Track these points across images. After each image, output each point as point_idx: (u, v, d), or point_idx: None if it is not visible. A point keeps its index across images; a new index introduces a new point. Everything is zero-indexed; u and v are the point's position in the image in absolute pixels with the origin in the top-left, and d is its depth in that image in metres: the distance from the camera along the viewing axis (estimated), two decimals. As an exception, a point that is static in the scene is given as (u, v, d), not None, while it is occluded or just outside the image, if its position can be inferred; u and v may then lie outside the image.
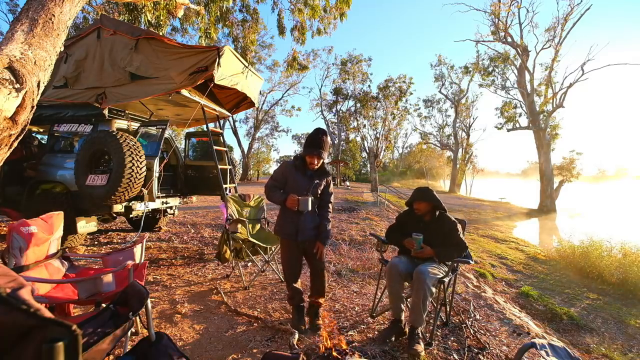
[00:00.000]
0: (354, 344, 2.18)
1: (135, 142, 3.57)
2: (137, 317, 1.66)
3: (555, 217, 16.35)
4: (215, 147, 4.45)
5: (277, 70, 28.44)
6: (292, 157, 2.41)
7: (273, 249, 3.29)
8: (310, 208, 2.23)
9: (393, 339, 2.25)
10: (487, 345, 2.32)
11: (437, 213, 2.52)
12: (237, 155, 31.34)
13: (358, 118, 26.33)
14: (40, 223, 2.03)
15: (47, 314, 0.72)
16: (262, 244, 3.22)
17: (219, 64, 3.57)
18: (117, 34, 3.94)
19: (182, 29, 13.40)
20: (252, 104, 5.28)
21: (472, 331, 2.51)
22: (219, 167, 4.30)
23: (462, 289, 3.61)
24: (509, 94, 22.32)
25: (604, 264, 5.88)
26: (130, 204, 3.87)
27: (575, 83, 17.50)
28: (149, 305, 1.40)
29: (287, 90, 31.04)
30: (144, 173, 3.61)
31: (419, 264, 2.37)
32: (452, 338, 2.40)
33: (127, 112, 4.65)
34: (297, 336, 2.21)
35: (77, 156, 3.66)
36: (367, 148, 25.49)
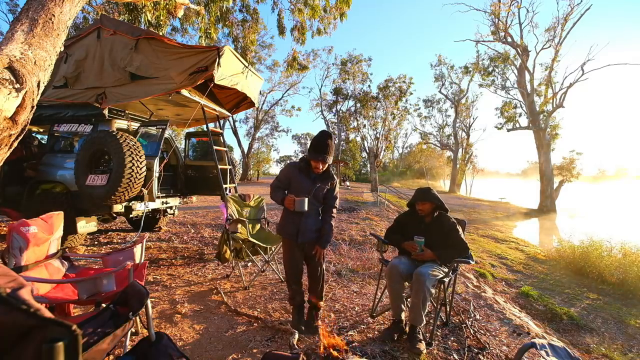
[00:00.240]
0: (354, 344, 2.18)
1: (135, 142, 3.57)
2: (137, 317, 1.66)
3: (555, 217, 16.35)
4: (215, 147, 4.45)
5: (277, 70, 28.45)
6: (298, 159, 2.41)
7: (273, 249, 3.29)
8: (306, 209, 2.22)
9: (395, 338, 2.25)
10: (487, 345, 2.32)
11: (437, 213, 2.53)
12: (237, 155, 31.35)
13: (358, 118, 26.32)
14: (40, 223, 2.03)
15: (47, 314, 0.72)
16: (262, 244, 3.21)
17: (219, 64, 3.57)
18: (117, 34, 3.94)
19: (182, 29, 13.39)
20: (252, 104, 5.28)
21: (472, 331, 2.51)
22: (219, 167, 4.30)
23: (462, 289, 3.61)
24: (509, 94, 22.35)
25: (604, 264, 5.88)
26: (130, 204, 3.86)
27: (575, 83, 17.52)
28: (149, 305, 1.40)
29: (287, 90, 31.05)
30: (144, 173, 3.61)
31: (419, 264, 2.37)
32: (452, 338, 2.40)
33: (127, 112, 4.65)
34: (297, 336, 2.21)
35: (77, 156, 3.66)
36: (367, 148, 25.49)
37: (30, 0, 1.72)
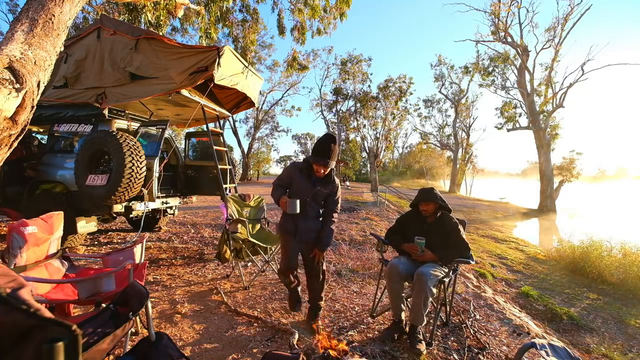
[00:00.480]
0: (354, 344, 2.18)
1: (135, 142, 3.57)
2: (137, 317, 1.66)
3: (555, 217, 16.36)
4: (215, 147, 4.45)
5: (277, 70, 28.45)
6: (302, 160, 2.39)
7: (273, 249, 3.29)
8: (297, 211, 2.20)
9: (395, 338, 2.25)
10: (487, 345, 2.32)
11: (439, 213, 2.53)
12: (237, 155, 31.36)
13: (358, 118, 26.31)
14: (40, 223, 2.03)
15: (47, 314, 0.72)
16: (262, 244, 3.21)
17: (219, 64, 3.57)
18: (117, 34, 3.94)
19: (182, 29, 13.38)
20: (252, 104, 5.28)
21: (472, 331, 2.51)
22: (219, 167, 4.30)
23: (462, 289, 3.61)
24: (509, 94, 22.35)
25: (604, 264, 5.88)
26: (130, 204, 3.86)
27: (575, 83, 17.53)
28: (149, 305, 1.40)
29: (287, 90, 31.05)
30: (144, 173, 3.61)
31: (420, 264, 2.37)
32: (452, 338, 2.40)
33: (127, 112, 4.65)
34: (297, 336, 2.21)
35: (77, 156, 3.66)
36: (367, 148, 25.49)
37: (30, 0, 1.72)
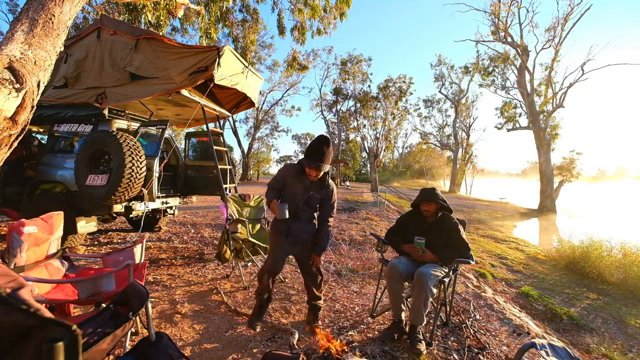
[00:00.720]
0: (354, 344, 2.18)
1: (135, 142, 3.57)
2: (137, 317, 1.66)
3: (555, 217, 16.36)
4: (215, 147, 4.45)
5: (277, 70, 28.47)
6: (297, 161, 2.32)
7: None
8: (286, 216, 2.13)
9: (394, 339, 2.25)
10: (487, 345, 2.32)
11: (440, 214, 2.52)
12: (237, 155, 31.36)
13: (358, 118, 26.34)
14: (40, 223, 2.03)
15: (47, 314, 0.72)
16: (262, 244, 3.21)
17: (219, 64, 3.57)
18: (117, 34, 3.94)
19: (182, 29, 13.39)
20: (252, 104, 5.28)
21: (472, 331, 2.51)
22: (219, 167, 4.30)
23: (462, 289, 3.61)
24: (509, 94, 22.36)
25: (604, 264, 5.88)
26: (130, 204, 3.86)
27: (575, 83, 17.54)
28: (149, 305, 1.40)
29: (287, 90, 31.06)
30: (144, 173, 3.60)
31: (420, 264, 2.37)
32: (452, 338, 2.40)
33: (127, 112, 4.65)
34: (297, 336, 2.21)
35: (77, 156, 3.66)
36: (367, 148, 25.51)
37: (30, 0, 1.72)
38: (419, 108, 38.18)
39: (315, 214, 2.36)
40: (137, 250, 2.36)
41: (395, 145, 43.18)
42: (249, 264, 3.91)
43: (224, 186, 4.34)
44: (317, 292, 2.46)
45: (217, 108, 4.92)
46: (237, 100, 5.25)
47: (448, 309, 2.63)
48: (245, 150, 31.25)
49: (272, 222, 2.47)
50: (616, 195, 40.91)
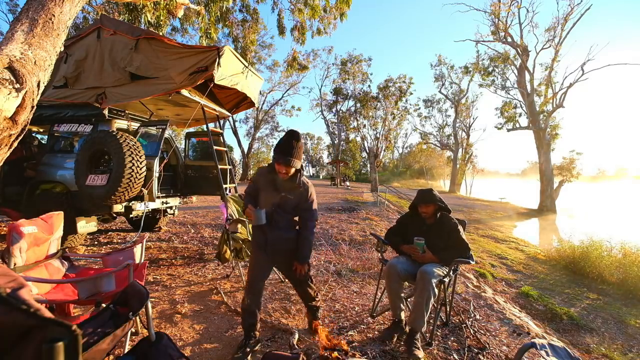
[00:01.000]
0: (354, 344, 2.18)
1: (135, 142, 3.57)
2: (137, 317, 1.66)
3: (555, 217, 16.36)
4: (215, 147, 4.45)
5: (277, 70, 28.47)
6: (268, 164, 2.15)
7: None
8: (264, 222, 1.97)
9: (394, 339, 2.24)
10: (487, 345, 2.32)
11: (439, 214, 2.52)
12: (237, 155, 31.40)
13: (358, 118, 26.34)
14: (40, 223, 2.03)
15: (47, 314, 0.72)
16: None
17: (219, 64, 3.57)
18: (117, 34, 3.94)
19: (182, 29, 13.40)
20: (252, 104, 5.28)
21: (472, 331, 2.51)
22: (219, 167, 4.30)
23: (462, 289, 3.61)
24: (509, 94, 22.36)
25: (604, 264, 5.89)
26: (130, 204, 3.86)
27: (575, 83, 17.54)
28: (149, 305, 1.40)
29: (287, 90, 31.06)
30: (144, 173, 3.60)
31: (419, 264, 2.37)
32: (452, 338, 2.40)
33: (127, 112, 4.65)
34: (297, 336, 2.21)
35: (77, 156, 3.66)
36: (367, 148, 25.50)
37: (30, 0, 1.71)
38: (419, 108, 38.25)
39: (294, 219, 2.17)
40: (137, 250, 2.36)
41: (395, 145, 43.32)
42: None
43: (224, 186, 4.34)
44: (311, 293, 2.32)
45: (217, 108, 4.92)
46: (237, 100, 5.25)
47: (448, 309, 2.63)
48: (245, 150, 31.26)
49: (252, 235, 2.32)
50: (616, 195, 40.92)
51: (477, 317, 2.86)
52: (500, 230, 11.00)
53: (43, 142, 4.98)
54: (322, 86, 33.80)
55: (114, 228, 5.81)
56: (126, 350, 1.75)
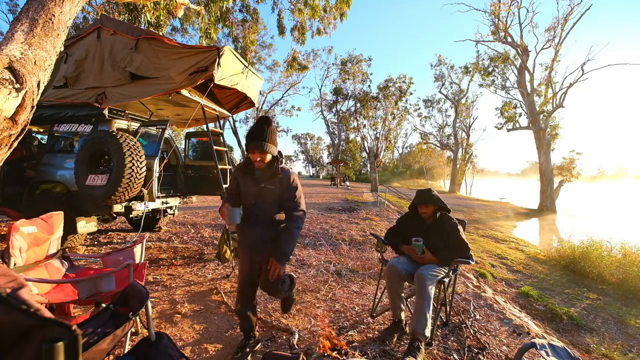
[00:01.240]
0: (354, 344, 2.18)
1: (135, 142, 3.57)
2: (137, 317, 1.66)
3: (555, 217, 16.36)
4: (215, 147, 4.45)
5: (277, 70, 28.51)
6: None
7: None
8: (237, 221, 1.80)
9: (394, 339, 2.24)
10: (487, 345, 2.32)
11: (439, 214, 2.52)
12: (237, 155, 31.37)
13: (358, 118, 26.33)
14: (40, 223, 2.04)
15: (47, 314, 0.72)
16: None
17: (219, 64, 3.57)
18: (117, 34, 3.94)
19: (182, 29, 13.41)
20: (252, 104, 5.28)
21: (472, 331, 2.51)
22: (219, 167, 4.30)
23: (462, 289, 3.61)
24: (509, 94, 22.37)
25: (604, 264, 5.89)
26: (130, 204, 3.86)
27: (575, 83, 17.54)
28: (149, 305, 1.40)
29: (287, 90, 31.10)
30: (144, 173, 3.60)
31: (419, 264, 2.37)
32: (452, 338, 2.40)
33: (127, 112, 4.65)
34: (297, 336, 2.21)
35: (77, 156, 3.66)
36: (367, 148, 25.49)
37: (30, 0, 1.71)
38: (419, 108, 38.28)
39: (276, 215, 1.93)
40: (137, 250, 2.36)
41: (395, 145, 43.33)
42: (249, 264, 3.91)
43: (224, 186, 4.34)
44: (286, 308, 2.03)
45: (217, 108, 4.92)
46: (237, 100, 5.25)
47: (448, 309, 2.63)
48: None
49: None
50: (616, 195, 40.92)
51: (477, 317, 2.86)
52: (500, 230, 11.00)
53: (43, 142, 4.98)
54: (322, 86, 33.88)
55: (114, 228, 5.81)
56: (126, 350, 1.75)
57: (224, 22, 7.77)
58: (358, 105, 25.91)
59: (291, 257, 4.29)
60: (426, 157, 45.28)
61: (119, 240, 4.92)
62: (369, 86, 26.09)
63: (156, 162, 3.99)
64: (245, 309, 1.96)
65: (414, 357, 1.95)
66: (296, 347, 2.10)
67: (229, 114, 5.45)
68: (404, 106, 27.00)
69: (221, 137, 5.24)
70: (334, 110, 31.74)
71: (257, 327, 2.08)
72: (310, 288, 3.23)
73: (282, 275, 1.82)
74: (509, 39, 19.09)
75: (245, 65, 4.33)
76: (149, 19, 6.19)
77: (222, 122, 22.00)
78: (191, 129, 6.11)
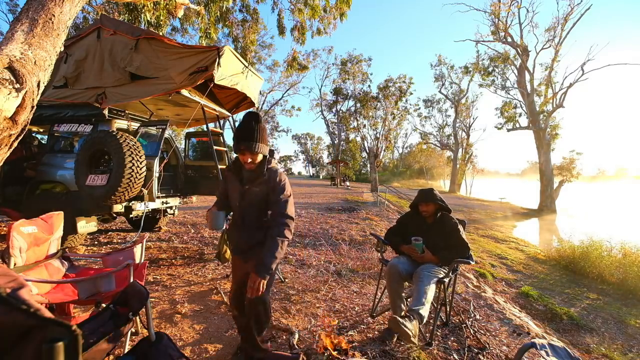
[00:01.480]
0: (354, 344, 2.18)
1: (135, 142, 3.57)
2: (137, 317, 1.66)
3: (555, 217, 16.36)
4: (215, 147, 4.45)
5: (277, 70, 28.53)
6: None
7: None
8: (222, 226, 1.74)
9: (394, 339, 2.24)
10: (487, 345, 2.32)
11: (439, 214, 2.52)
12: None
13: (358, 118, 26.32)
14: (40, 223, 2.04)
15: (47, 314, 0.72)
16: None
17: (219, 64, 3.57)
18: (117, 34, 3.94)
19: (182, 29, 13.42)
20: (252, 104, 5.28)
21: (472, 331, 2.51)
22: (219, 167, 4.30)
23: (462, 289, 3.61)
24: (509, 94, 22.37)
25: (604, 264, 5.89)
26: (130, 204, 3.86)
27: (575, 83, 17.55)
28: (149, 305, 1.40)
29: (287, 90, 31.12)
30: (144, 173, 3.60)
31: (419, 264, 2.37)
32: (452, 338, 2.40)
33: (127, 112, 4.65)
34: (297, 336, 2.21)
35: (77, 156, 3.66)
36: (367, 148, 25.49)
37: (30, 0, 1.71)
38: (419, 108, 38.28)
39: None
40: (137, 250, 2.36)
41: (395, 145, 43.36)
42: (249, 264, 3.91)
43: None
44: (255, 339, 1.75)
45: (217, 108, 4.92)
46: (237, 100, 5.25)
47: (448, 309, 2.63)
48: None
49: None
50: (616, 195, 40.93)
51: (477, 317, 2.86)
52: (500, 230, 11.00)
53: (43, 142, 4.98)
54: (322, 86, 33.90)
55: (114, 228, 5.81)
56: (126, 350, 1.75)
57: (224, 22, 7.77)
58: (358, 105, 25.91)
59: (291, 257, 4.30)
60: (426, 157, 45.29)
61: (119, 240, 4.92)
62: (369, 86, 26.11)
63: (156, 162, 3.98)
64: (239, 314, 1.83)
65: (407, 320, 1.87)
66: (296, 347, 2.10)
67: (229, 114, 5.45)
68: (404, 106, 27.00)
69: (221, 137, 5.25)
70: (334, 110, 31.76)
71: None
72: (310, 288, 3.23)
73: (263, 294, 1.57)
74: (509, 39, 19.10)
75: (245, 65, 4.33)
76: (149, 19, 6.19)
77: (222, 122, 22.00)
78: (191, 129, 6.11)
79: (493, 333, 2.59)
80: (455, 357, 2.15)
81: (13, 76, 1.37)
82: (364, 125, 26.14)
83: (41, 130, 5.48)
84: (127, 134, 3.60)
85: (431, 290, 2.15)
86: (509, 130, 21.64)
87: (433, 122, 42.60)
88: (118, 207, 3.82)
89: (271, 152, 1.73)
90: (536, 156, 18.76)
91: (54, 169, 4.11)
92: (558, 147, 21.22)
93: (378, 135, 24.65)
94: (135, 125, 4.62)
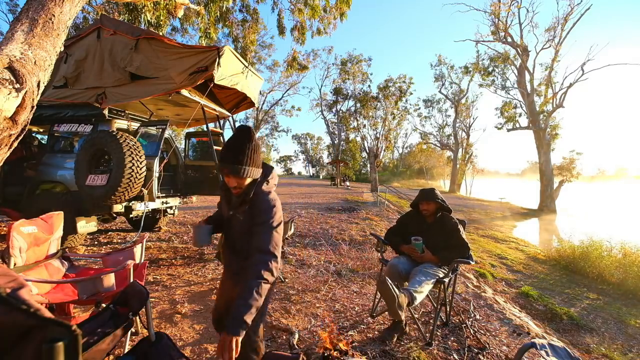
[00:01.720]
0: (354, 344, 2.18)
1: (135, 142, 3.57)
2: (137, 317, 1.66)
3: (555, 217, 16.36)
4: (215, 147, 4.46)
5: (277, 70, 28.52)
6: None
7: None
8: (207, 242, 1.54)
9: (394, 339, 2.24)
10: (487, 345, 2.32)
11: (440, 214, 2.53)
12: (237, 155, 31.24)
13: (358, 118, 26.32)
14: (40, 223, 2.04)
15: (47, 314, 0.72)
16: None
17: (219, 64, 3.57)
18: (117, 34, 3.94)
19: (182, 29, 13.42)
20: (252, 104, 5.28)
21: (472, 331, 2.51)
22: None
23: (462, 289, 3.61)
24: (509, 94, 22.37)
25: (604, 264, 5.89)
26: (130, 204, 3.87)
27: (575, 83, 17.55)
28: (149, 305, 1.40)
29: (287, 90, 31.10)
30: (144, 173, 3.61)
31: (419, 264, 2.37)
32: (452, 338, 2.40)
33: (127, 112, 4.65)
34: (297, 336, 2.21)
35: (77, 156, 3.66)
36: (367, 148, 25.48)
37: (30, 0, 1.71)
38: (419, 108, 38.28)
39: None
40: (137, 250, 2.36)
41: (395, 145, 43.37)
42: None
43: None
44: None
45: (217, 108, 4.92)
46: (237, 100, 5.25)
47: (448, 309, 2.63)
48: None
49: None
50: (616, 195, 40.95)
51: (477, 317, 2.86)
52: (500, 230, 10.99)
53: (43, 142, 4.98)
54: (322, 86, 33.91)
55: (114, 228, 5.81)
56: (126, 350, 1.75)
57: (224, 22, 7.78)
58: (358, 105, 25.91)
59: (291, 257, 4.29)
60: (426, 157, 45.28)
61: (119, 240, 4.92)
62: (369, 86, 26.12)
63: (156, 162, 3.99)
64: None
65: (404, 294, 1.95)
66: (296, 347, 2.10)
67: (229, 114, 5.45)
68: (404, 106, 27.03)
69: (221, 137, 5.26)
70: (334, 110, 31.78)
71: None
72: (310, 288, 3.23)
73: (250, 336, 1.34)
74: (509, 39, 19.11)
75: (245, 65, 4.33)
76: (149, 19, 6.20)
77: (222, 122, 22.01)
78: (191, 129, 6.11)
79: (493, 333, 2.59)
80: (455, 357, 2.15)
81: (13, 76, 1.37)
82: (364, 125, 26.15)
83: (41, 130, 5.48)
84: (127, 134, 3.60)
85: (427, 284, 2.15)
86: (509, 130, 21.65)
87: (433, 122, 42.64)
88: (118, 207, 3.82)
89: (266, 173, 1.45)
90: (536, 156, 18.77)
91: (54, 169, 4.11)
92: (558, 147, 21.25)
93: (378, 135, 24.65)
94: (135, 125, 4.62)
